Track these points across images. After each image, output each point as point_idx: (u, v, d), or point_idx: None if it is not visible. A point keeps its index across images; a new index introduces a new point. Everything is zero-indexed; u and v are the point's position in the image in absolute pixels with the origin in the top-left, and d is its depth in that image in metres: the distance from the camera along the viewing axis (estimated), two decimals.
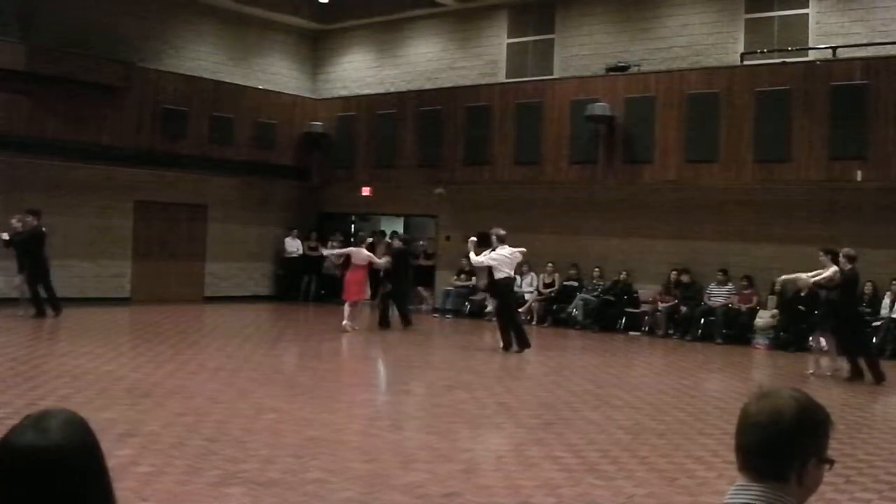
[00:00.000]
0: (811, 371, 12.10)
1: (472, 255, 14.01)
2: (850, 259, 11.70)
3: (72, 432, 1.61)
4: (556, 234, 18.13)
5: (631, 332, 16.65)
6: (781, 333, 14.87)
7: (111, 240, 18.68)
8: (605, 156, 16.50)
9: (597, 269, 17.53)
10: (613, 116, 16.26)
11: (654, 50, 17.73)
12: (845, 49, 15.28)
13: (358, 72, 22.31)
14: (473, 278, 18.62)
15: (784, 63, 15.50)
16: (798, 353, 13.95)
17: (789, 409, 1.90)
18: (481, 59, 20.21)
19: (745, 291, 15.86)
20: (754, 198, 16.12)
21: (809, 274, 11.96)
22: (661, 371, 12.89)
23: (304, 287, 21.08)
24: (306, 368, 11.85)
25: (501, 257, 13.42)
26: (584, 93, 16.86)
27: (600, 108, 16.17)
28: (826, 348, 12.49)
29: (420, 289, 19.98)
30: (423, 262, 20.38)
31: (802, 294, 13.99)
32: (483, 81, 19.41)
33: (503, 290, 13.67)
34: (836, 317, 11.80)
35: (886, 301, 14.42)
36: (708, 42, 17.32)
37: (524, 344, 13.41)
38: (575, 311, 17.27)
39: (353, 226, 21.99)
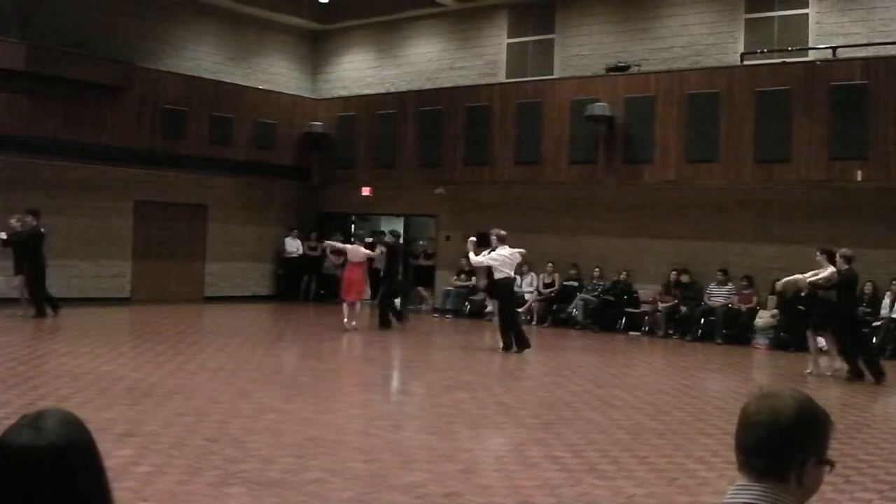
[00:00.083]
0: (809, 370, 12.09)
1: (471, 254, 14.02)
2: (847, 259, 11.71)
3: (68, 432, 1.61)
4: (556, 234, 18.13)
5: (631, 332, 16.65)
6: (781, 333, 14.86)
7: (111, 240, 18.68)
8: (605, 156, 16.50)
9: (597, 269, 17.53)
10: (613, 116, 16.26)
11: (654, 50, 17.73)
12: (845, 49, 15.28)
13: (358, 72, 22.31)
14: (473, 278, 18.62)
15: (784, 63, 15.49)
16: (798, 353, 13.93)
17: (789, 409, 1.90)
18: (481, 59, 20.21)
19: (745, 291, 15.86)
20: (754, 198, 16.12)
21: (807, 274, 11.96)
22: (661, 371, 12.90)
23: (304, 287, 21.08)
24: (306, 368, 11.84)
25: (502, 257, 13.42)
26: (584, 93, 16.86)
27: (600, 108, 16.17)
28: (825, 348, 12.49)
29: (420, 289, 19.98)
30: (423, 262, 20.39)
31: (802, 294, 13.98)
32: (483, 81, 19.41)
33: (503, 290, 13.67)
34: (835, 317, 11.80)
35: (886, 301, 14.41)
36: (708, 42, 17.32)
37: (523, 344, 13.40)
38: (575, 311, 17.27)
39: (353, 226, 21.98)
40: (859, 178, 14.10)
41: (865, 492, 6.29)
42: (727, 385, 11.54)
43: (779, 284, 13.65)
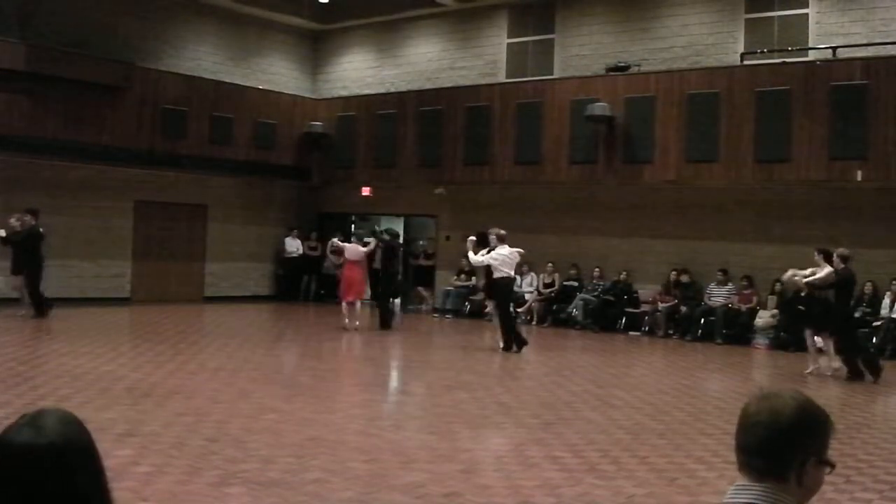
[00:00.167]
0: (809, 370, 12.09)
1: (470, 254, 14.03)
2: (844, 259, 11.72)
3: (67, 431, 1.61)
4: (556, 234, 18.13)
5: (631, 332, 16.65)
6: (781, 333, 14.86)
7: (111, 240, 18.68)
8: (605, 156, 16.50)
9: (597, 269, 17.53)
10: (613, 116, 16.26)
11: (654, 50, 17.73)
12: (845, 49, 15.28)
13: (358, 72, 22.31)
14: (473, 278, 18.61)
15: (784, 63, 15.49)
16: (798, 353, 13.92)
17: (789, 409, 1.90)
18: (481, 59, 20.21)
19: (745, 291, 15.86)
20: (754, 198, 16.12)
21: (805, 272, 11.96)
22: (661, 371, 12.90)
23: (304, 287, 21.08)
24: (306, 368, 11.84)
25: (502, 257, 13.42)
26: (584, 93, 16.86)
27: (600, 108, 16.17)
28: (824, 348, 12.49)
29: (420, 289, 19.97)
30: (423, 262, 20.38)
31: (802, 294, 13.97)
32: (483, 81, 19.41)
33: (502, 289, 13.68)
34: (833, 317, 11.80)
35: (886, 301, 14.41)
36: (708, 42, 17.32)
37: (521, 343, 13.42)
38: (575, 311, 17.27)
39: (352, 226, 21.98)
40: (859, 178, 14.10)
41: (865, 492, 6.29)
42: (727, 385, 11.54)
43: (784, 279, 13.61)
